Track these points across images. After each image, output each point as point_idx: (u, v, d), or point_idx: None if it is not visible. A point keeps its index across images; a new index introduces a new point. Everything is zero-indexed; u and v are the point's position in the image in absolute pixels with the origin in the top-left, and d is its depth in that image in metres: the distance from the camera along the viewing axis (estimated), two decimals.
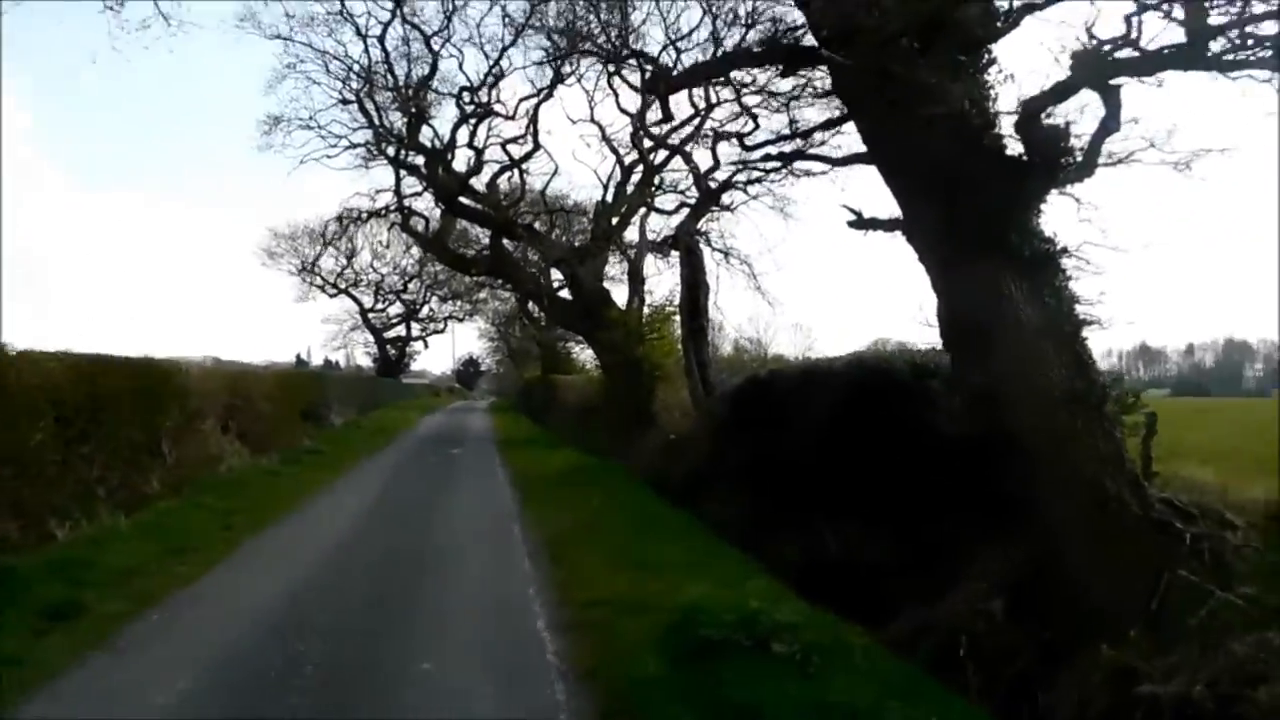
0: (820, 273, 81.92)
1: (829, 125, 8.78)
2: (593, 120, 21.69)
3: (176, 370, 14.58)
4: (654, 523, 9.92)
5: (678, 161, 21.56)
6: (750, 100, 14.86)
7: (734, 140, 13.79)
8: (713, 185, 17.35)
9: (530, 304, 44.50)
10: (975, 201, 5.27)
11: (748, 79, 14.36)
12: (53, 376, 9.50)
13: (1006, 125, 5.33)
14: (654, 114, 17.68)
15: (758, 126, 14.10)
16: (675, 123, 17.92)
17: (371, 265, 50.76)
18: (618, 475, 14.12)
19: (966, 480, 5.88)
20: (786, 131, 10.61)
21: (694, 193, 21.13)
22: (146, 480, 12.19)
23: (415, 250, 48.99)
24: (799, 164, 16.12)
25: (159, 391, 13.16)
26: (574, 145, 35.03)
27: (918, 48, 5.50)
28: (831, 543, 7.39)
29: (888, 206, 5.92)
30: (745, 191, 18.21)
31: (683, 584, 6.72)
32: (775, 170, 15.16)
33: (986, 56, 5.67)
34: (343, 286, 50.97)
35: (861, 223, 5.98)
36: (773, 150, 11.07)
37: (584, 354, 44.78)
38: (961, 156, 5.28)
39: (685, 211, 19.96)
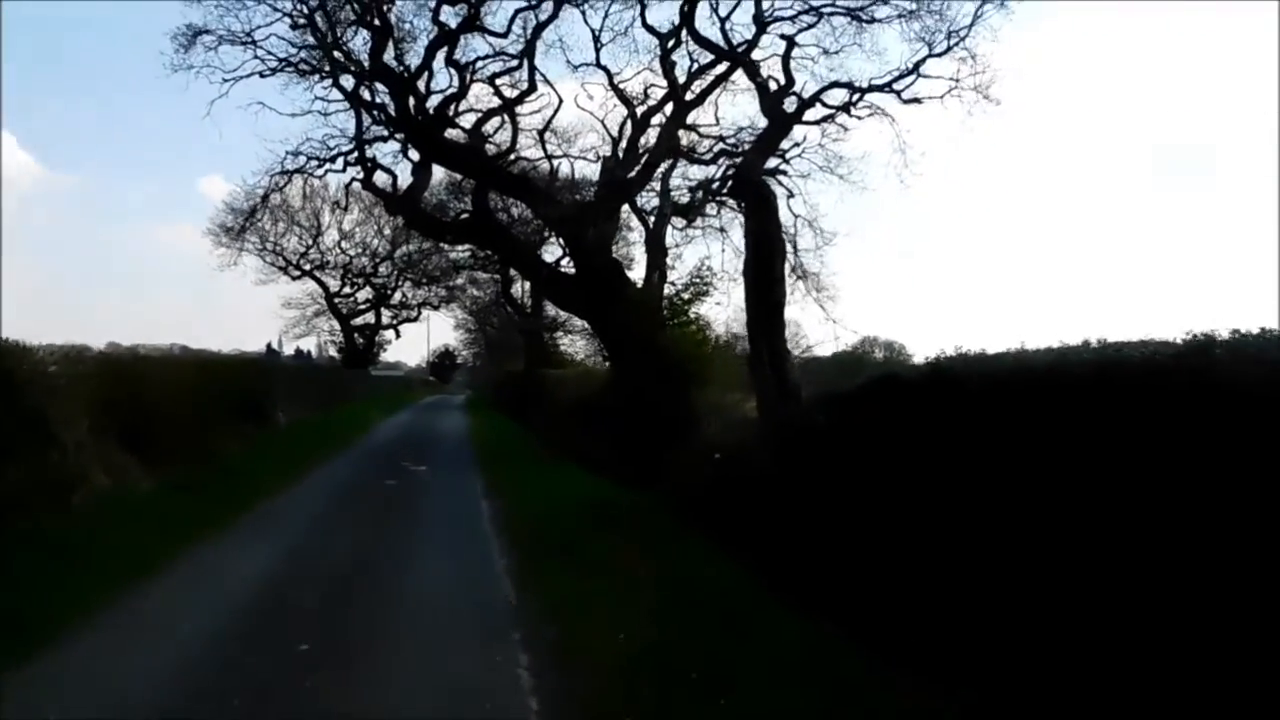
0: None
1: None
2: (599, 65, 17.14)
3: None
4: (763, 644, 5.33)
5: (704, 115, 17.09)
6: None
7: None
8: (787, 110, 12.73)
9: (514, 288, 40.02)
10: None
11: None
12: None
13: None
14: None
15: None
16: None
17: (339, 245, 45.74)
18: (655, 518, 9.53)
19: None
20: None
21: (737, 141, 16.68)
22: None
23: (387, 229, 44.19)
24: None
25: None
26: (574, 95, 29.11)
27: None
28: None
29: None
30: (849, 112, 13.55)
31: None
32: None
33: None
34: (307, 268, 45.84)
35: None
36: None
37: (574, 345, 40.33)
38: None
39: (724, 164, 15.47)
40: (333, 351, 54.05)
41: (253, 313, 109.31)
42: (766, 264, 10.18)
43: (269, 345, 64.11)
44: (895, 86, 13.57)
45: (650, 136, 17.30)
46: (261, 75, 17.08)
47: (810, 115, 13.88)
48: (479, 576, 7.29)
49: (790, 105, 13.05)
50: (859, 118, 13.87)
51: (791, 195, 16.81)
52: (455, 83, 16.50)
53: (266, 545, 8.43)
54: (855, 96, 13.47)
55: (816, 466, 7.70)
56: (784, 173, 15.79)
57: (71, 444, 11.07)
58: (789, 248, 17.21)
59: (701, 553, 7.80)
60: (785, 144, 14.56)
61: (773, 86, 12.91)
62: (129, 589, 6.72)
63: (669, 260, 16.97)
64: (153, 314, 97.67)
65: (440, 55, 16.57)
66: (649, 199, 18.41)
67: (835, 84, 13.59)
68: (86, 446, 11.38)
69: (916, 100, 13.39)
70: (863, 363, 38.71)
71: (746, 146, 15.22)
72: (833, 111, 14.02)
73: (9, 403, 9.53)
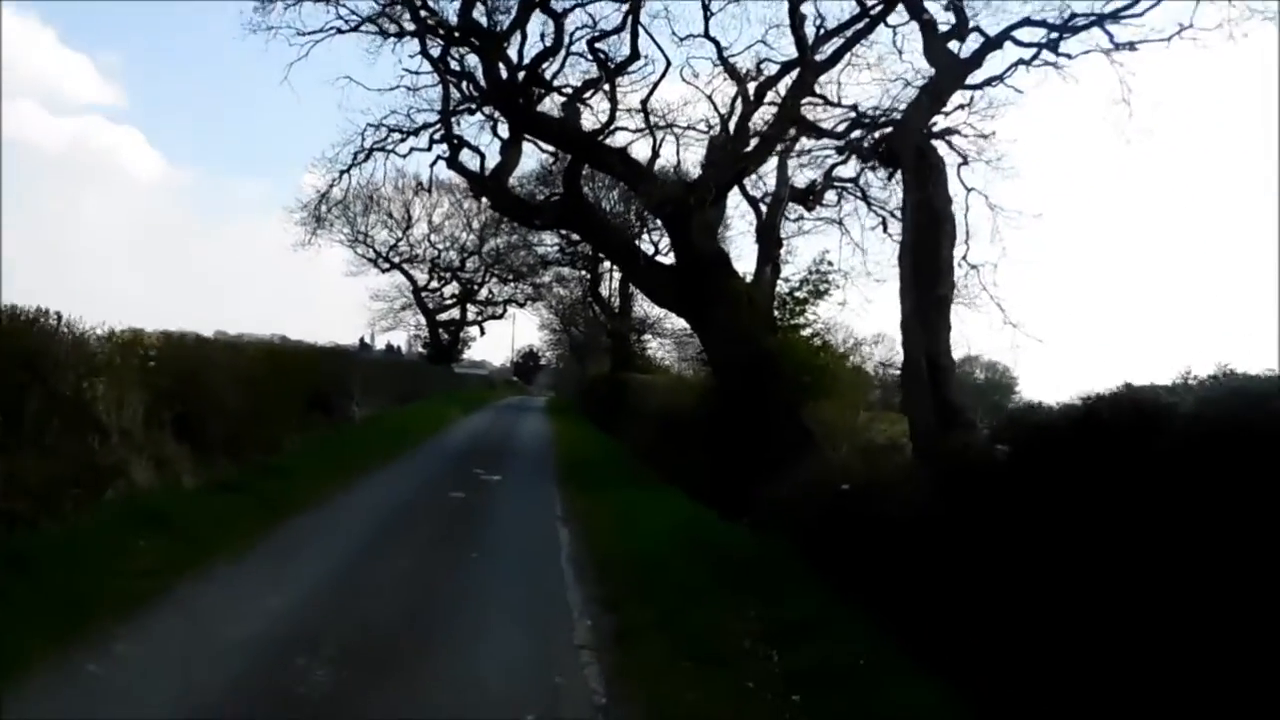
0: None
1: None
2: (707, 35, 15.21)
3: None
4: None
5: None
6: None
7: None
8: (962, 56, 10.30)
9: (602, 286, 38.45)
10: None
11: None
12: None
13: None
14: None
15: None
16: None
17: (428, 238, 45.39)
18: (775, 566, 7.41)
19: None
20: None
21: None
22: None
23: (475, 223, 43.34)
24: None
25: None
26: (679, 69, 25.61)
27: None
28: None
29: None
30: (1055, 49, 10.77)
31: None
32: None
33: None
34: (396, 260, 45.64)
35: None
36: None
37: (662, 350, 38.47)
38: None
39: (858, 136, 13.19)
40: (420, 347, 54.01)
41: (351, 306, 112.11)
42: (932, 248, 7.93)
43: (361, 339, 65.10)
44: (1130, 12, 10.38)
45: (764, 115, 15.28)
46: (340, 31, 15.78)
47: (977, 77, 11.18)
48: (551, 651, 5.30)
49: (968, 49, 10.49)
50: (1069, 55, 10.85)
51: (964, 161, 13.56)
52: (551, 38, 14.75)
53: (296, 575, 6.73)
54: (1055, 36, 10.65)
55: (1009, 526, 5.43)
56: (956, 132, 13.11)
57: (116, 432, 9.91)
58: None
59: (845, 624, 5.64)
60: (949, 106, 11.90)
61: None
62: (101, 634, 5.10)
63: (782, 254, 14.83)
64: (259, 305, 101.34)
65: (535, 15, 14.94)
66: (759, 186, 16.32)
67: (1028, 21, 10.87)
68: (134, 435, 10.20)
69: (1131, 45, 10.62)
70: (962, 384, 35.23)
71: (889, 116, 12.85)
72: (1037, 48, 10.94)
73: (44, 380, 8.41)
